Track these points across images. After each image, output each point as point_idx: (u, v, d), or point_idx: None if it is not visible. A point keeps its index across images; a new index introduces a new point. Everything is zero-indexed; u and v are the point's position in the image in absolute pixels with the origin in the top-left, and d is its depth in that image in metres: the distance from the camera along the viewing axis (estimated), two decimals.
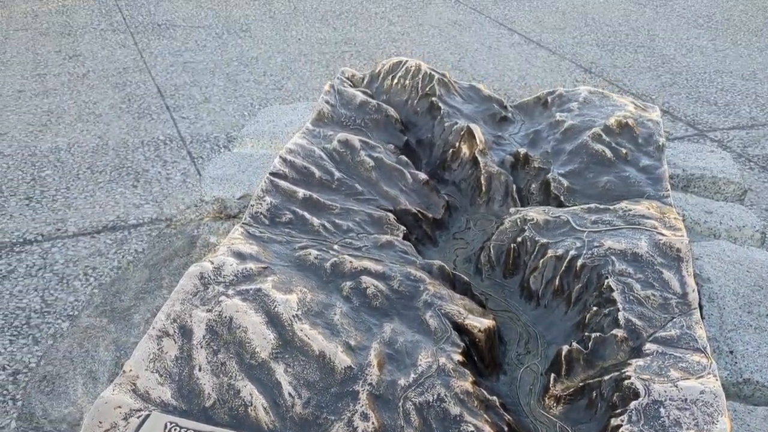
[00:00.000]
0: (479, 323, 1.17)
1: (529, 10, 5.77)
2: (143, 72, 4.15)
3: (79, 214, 2.92)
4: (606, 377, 1.10)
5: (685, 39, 5.30)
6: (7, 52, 4.26)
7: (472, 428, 0.98)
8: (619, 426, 0.99)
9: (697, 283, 1.28)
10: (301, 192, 1.43)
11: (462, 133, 1.66)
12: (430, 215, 1.51)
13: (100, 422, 0.96)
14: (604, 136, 1.64)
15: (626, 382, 1.06)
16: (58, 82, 3.94)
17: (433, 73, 1.80)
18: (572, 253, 1.31)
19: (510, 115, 1.82)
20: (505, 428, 1.04)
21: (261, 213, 1.37)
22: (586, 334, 1.18)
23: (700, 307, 1.23)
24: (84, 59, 4.25)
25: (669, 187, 1.54)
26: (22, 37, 4.51)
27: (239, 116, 3.74)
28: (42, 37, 4.55)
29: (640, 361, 1.09)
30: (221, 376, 1.02)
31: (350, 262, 1.24)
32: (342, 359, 1.05)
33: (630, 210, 1.41)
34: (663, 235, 1.34)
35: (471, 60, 4.65)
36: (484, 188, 1.60)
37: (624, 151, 1.63)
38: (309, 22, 5.18)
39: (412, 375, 1.05)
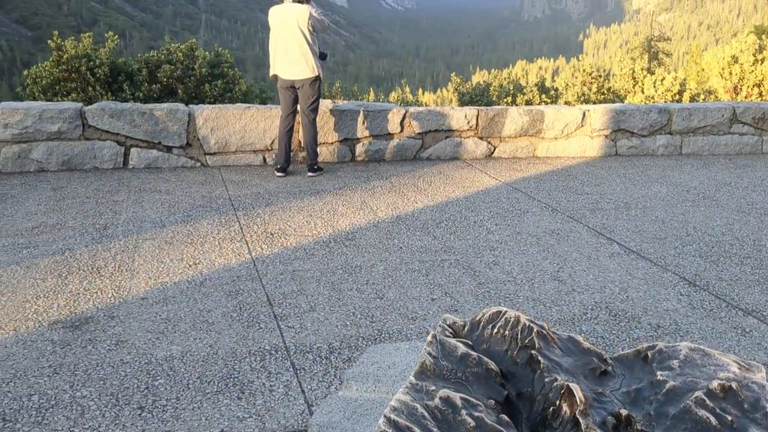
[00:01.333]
0: None
1: (628, 219, 5.83)
2: (255, 280, 4.40)
3: (186, 426, 3.03)
4: None
5: None
6: (135, 260, 4.65)
7: None
8: None
9: None
10: None
11: (562, 391, 1.69)
12: None
13: None
14: (707, 401, 1.63)
15: None
16: (178, 290, 4.23)
17: (532, 325, 1.87)
18: None
19: (610, 368, 1.84)
20: None
21: None
22: None
23: None
24: (202, 267, 4.57)
25: None
26: (150, 246, 4.92)
27: (341, 326, 3.88)
28: (167, 245, 4.95)
29: None
30: None
31: None
32: None
33: None
34: None
35: (570, 270, 4.69)
36: None
37: (729, 418, 1.60)
38: (410, 231, 5.42)
39: None
